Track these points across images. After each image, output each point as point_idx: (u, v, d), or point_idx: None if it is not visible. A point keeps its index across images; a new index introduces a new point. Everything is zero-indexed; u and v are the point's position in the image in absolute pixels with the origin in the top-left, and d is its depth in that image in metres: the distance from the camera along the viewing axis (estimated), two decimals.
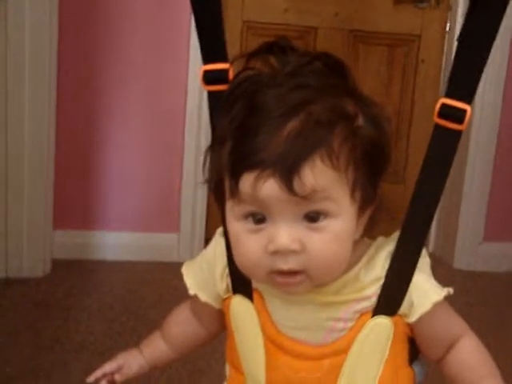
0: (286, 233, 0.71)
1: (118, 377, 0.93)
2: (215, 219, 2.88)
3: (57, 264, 2.36)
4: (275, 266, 0.72)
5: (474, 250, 2.60)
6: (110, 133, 2.44)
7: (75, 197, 2.47)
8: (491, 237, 2.64)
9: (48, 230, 2.34)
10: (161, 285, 2.29)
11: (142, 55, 2.40)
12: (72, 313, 2.06)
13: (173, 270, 2.35)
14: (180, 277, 2.62)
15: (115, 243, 2.47)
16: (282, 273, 0.72)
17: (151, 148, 2.47)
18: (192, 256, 2.81)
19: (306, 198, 0.69)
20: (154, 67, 2.41)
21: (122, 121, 2.43)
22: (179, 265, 2.73)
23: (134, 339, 1.86)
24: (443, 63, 2.69)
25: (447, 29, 2.67)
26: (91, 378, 0.93)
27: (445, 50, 2.69)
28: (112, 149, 2.45)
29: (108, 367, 0.94)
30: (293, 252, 0.71)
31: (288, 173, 0.68)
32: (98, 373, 0.93)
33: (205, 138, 2.45)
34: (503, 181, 2.62)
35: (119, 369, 0.94)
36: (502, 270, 2.58)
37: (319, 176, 0.69)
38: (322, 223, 0.71)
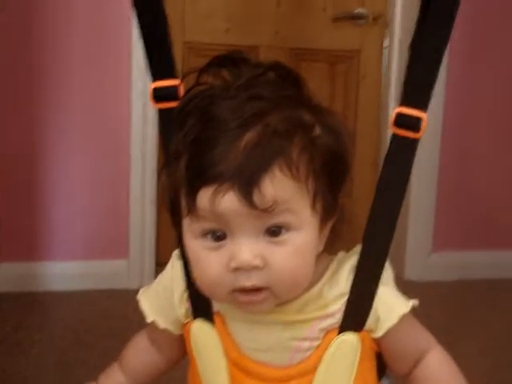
0: (247, 248, 0.69)
1: None
2: (165, 243, 2.85)
3: (3, 297, 2.29)
4: (237, 283, 0.70)
5: (423, 261, 2.63)
6: (53, 158, 2.39)
7: (20, 228, 2.41)
8: (440, 247, 2.68)
9: None
10: (112, 313, 2.25)
11: (83, 71, 2.37)
12: (21, 347, 1.99)
13: (123, 297, 2.34)
14: (131, 304, 2.56)
15: (63, 273, 2.42)
16: (244, 291, 0.70)
17: (96, 174, 2.43)
18: (142, 282, 2.77)
19: (266, 210, 0.68)
20: (96, 83, 2.38)
21: (65, 147, 2.39)
22: (129, 292, 2.69)
23: (85, 371, 1.82)
24: (383, 78, 2.73)
25: (385, 44, 2.71)
26: None
27: (384, 66, 2.72)
28: (56, 176, 2.40)
29: None
30: (255, 268, 0.69)
31: (247, 185, 0.67)
32: None
33: (150, 159, 2.43)
34: (448, 192, 2.66)
35: None
36: (452, 279, 2.61)
37: (279, 187, 0.68)
38: (284, 237, 0.70)
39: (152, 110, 2.38)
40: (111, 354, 0.94)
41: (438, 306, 2.28)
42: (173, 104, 0.77)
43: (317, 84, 2.66)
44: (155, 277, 0.88)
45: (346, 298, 0.77)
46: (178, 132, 0.72)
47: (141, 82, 2.36)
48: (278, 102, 0.71)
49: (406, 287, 0.81)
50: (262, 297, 0.71)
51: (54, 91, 2.34)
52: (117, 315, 2.22)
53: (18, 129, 2.35)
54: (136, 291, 2.70)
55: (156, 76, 0.80)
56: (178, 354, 0.88)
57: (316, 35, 2.66)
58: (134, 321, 2.31)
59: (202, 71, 0.74)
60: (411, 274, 2.56)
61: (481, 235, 2.71)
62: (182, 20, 2.53)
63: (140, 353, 0.91)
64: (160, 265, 2.71)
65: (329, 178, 0.72)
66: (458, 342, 2.09)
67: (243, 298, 0.71)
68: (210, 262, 0.71)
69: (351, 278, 0.77)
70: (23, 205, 2.40)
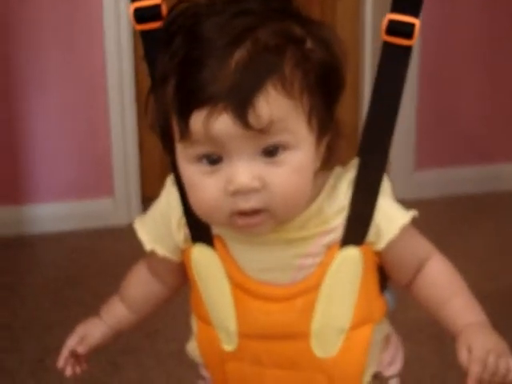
0: (244, 171, 0.68)
1: (80, 349, 0.88)
2: (150, 178, 2.83)
3: None
4: (236, 206, 0.69)
5: (406, 179, 2.64)
6: (32, 100, 2.35)
7: (2, 172, 2.38)
8: (422, 165, 2.69)
9: None
10: (101, 251, 2.26)
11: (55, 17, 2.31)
12: (15, 290, 2.01)
13: (112, 234, 2.35)
14: (120, 241, 2.58)
15: (50, 215, 2.41)
16: (243, 213, 0.70)
17: (75, 113, 2.40)
18: (130, 218, 2.77)
19: (262, 130, 0.66)
20: (68, 12, 2.33)
21: (43, 86, 2.34)
22: (117, 229, 2.69)
23: (81, 310, 1.82)
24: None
25: None
26: (61, 362, 0.88)
27: None
28: (35, 118, 2.37)
29: (71, 342, 0.89)
30: (254, 190, 0.68)
31: (241, 106, 0.65)
32: (65, 352, 0.88)
33: (128, 92, 2.39)
34: (429, 109, 2.65)
35: (82, 340, 0.89)
36: (435, 196, 2.63)
37: (274, 106, 0.66)
38: (281, 157, 0.69)
39: (127, 43, 2.34)
40: (105, 291, 0.93)
41: (421, 224, 2.31)
42: (156, 24, 0.75)
43: (302, 5, 2.61)
44: (142, 212, 0.86)
45: (346, 212, 0.76)
46: (164, 54, 0.69)
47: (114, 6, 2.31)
48: (266, 15, 0.69)
49: None
50: (261, 219, 0.70)
51: (28, 28, 2.29)
52: (107, 253, 2.24)
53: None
54: (124, 228, 2.72)
55: None
56: (179, 281, 0.87)
57: None
58: (125, 257, 2.32)
59: None
60: (395, 192, 2.56)
61: (462, 151, 2.72)
62: None
63: (140, 283, 0.90)
64: (146, 200, 2.72)
65: (324, 93, 0.71)
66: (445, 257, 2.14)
67: (242, 221, 0.70)
68: (207, 186, 0.70)
69: (350, 191, 0.76)
70: (4, 148, 2.37)
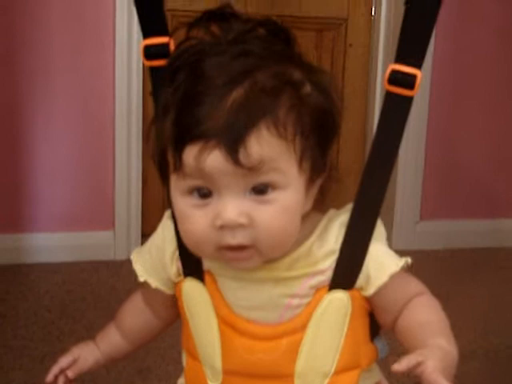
0: (233, 206, 0.69)
1: (70, 373, 0.88)
2: (151, 214, 2.83)
3: None
4: (223, 241, 0.70)
5: (411, 229, 2.65)
6: (37, 128, 2.37)
7: (3, 200, 2.39)
8: (427, 216, 2.70)
9: None
10: (98, 284, 2.25)
11: (66, 39, 2.34)
12: (8, 319, 1.99)
13: (110, 268, 2.34)
14: (117, 275, 2.57)
15: (49, 244, 2.41)
16: (230, 248, 0.70)
17: (81, 143, 2.42)
18: (129, 253, 2.75)
19: (252, 169, 0.67)
20: (78, 51, 2.36)
21: (49, 114, 2.37)
22: (116, 263, 2.68)
23: (73, 342, 1.80)
24: (371, 46, 2.72)
25: (373, 12, 2.69)
26: (50, 377, 0.88)
27: (372, 34, 2.71)
28: (39, 145, 2.39)
29: (64, 362, 0.89)
30: (240, 226, 0.69)
31: (233, 143, 0.66)
32: (55, 369, 0.88)
33: (136, 129, 2.41)
34: (436, 161, 2.67)
35: (74, 362, 0.89)
36: (439, 247, 2.64)
37: (265, 146, 0.68)
38: (270, 195, 0.70)
39: (136, 80, 2.37)
40: (98, 324, 0.94)
41: (424, 275, 2.29)
42: (164, 61, 0.77)
43: (304, 51, 2.64)
44: None
45: (335, 255, 0.76)
46: (167, 88, 0.71)
47: (125, 43, 2.35)
48: (267, 58, 0.70)
49: None
50: (247, 254, 0.71)
51: (36, 53, 2.32)
52: (103, 286, 2.23)
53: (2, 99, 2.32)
54: (122, 263, 2.71)
55: (147, 33, 0.80)
56: (172, 314, 0.88)
57: (303, 2, 2.65)
58: (121, 291, 2.32)
59: (192, 26, 0.73)
60: (399, 242, 2.57)
61: (468, 205, 2.73)
62: None
63: (135, 313, 0.91)
64: (146, 236, 2.72)
65: (317, 137, 0.72)
66: (444, 310, 2.11)
67: (230, 254, 0.71)
68: (196, 218, 0.71)
69: (341, 235, 0.77)
70: (6, 176, 2.38)
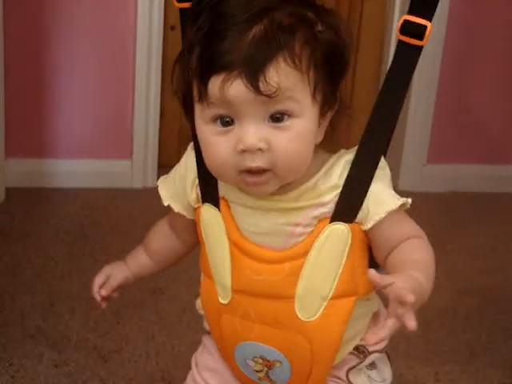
0: (253, 132, 0.76)
1: (103, 291, 0.97)
2: (167, 146, 2.88)
3: (10, 192, 2.35)
4: (244, 164, 0.77)
5: (418, 172, 2.68)
6: (62, 60, 2.40)
7: (26, 125, 2.44)
8: (435, 159, 2.71)
9: (0, 159, 2.32)
10: (115, 211, 2.32)
11: None
12: (30, 239, 2.07)
13: (126, 196, 2.42)
14: (133, 203, 2.62)
15: (69, 170, 2.46)
16: (250, 172, 0.78)
17: (101, 74, 2.45)
18: (145, 182, 2.83)
19: (271, 96, 0.74)
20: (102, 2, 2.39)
21: (71, 45, 2.39)
22: (132, 191, 2.75)
23: (91, 263, 1.90)
24: None
25: None
26: (96, 296, 0.97)
27: None
28: (63, 75, 2.42)
29: (98, 280, 0.98)
30: (260, 150, 0.76)
31: (254, 73, 0.73)
32: (96, 288, 0.97)
33: (155, 61, 2.44)
34: (446, 105, 2.67)
35: (107, 279, 0.98)
36: (445, 190, 2.67)
37: (283, 76, 0.74)
38: (286, 123, 0.77)
39: (157, 11, 2.39)
40: (114, 248, 1.02)
41: (430, 216, 2.35)
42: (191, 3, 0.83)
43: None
44: (158, 177, 0.95)
45: (339, 190, 0.82)
46: (191, 27, 0.78)
47: None
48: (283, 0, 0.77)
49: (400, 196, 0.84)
50: (266, 178, 0.78)
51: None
52: (120, 213, 2.29)
53: (26, 30, 2.36)
54: (138, 191, 2.78)
55: None
56: (193, 238, 0.94)
57: None
58: (137, 218, 2.38)
59: None
60: (405, 184, 2.60)
61: (476, 149, 2.74)
62: None
63: (161, 236, 0.99)
64: (162, 167, 2.78)
65: (329, 71, 0.79)
66: (447, 249, 2.19)
67: (250, 178, 0.78)
68: (220, 145, 0.78)
69: (346, 171, 0.82)
70: (30, 102, 2.42)
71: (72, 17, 2.37)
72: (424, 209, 2.35)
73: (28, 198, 2.35)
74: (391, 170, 0.86)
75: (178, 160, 0.93)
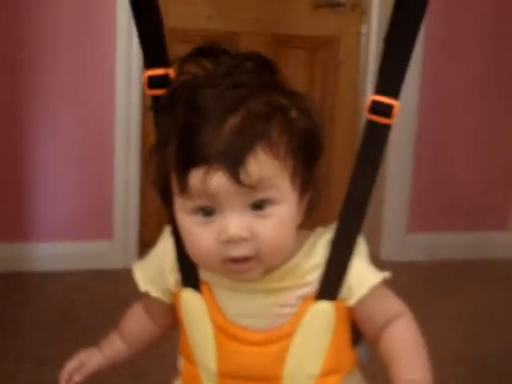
0: (236, 222, 0.76)
1: (77, 377, 0.95)
2: (148, 224, 2.86)
3: None
4: (228, 253, 0.77)
5: (399, 241, 2.70)
6: (38, 140, 2.42)
7: (5, 209, 2.43)
8: (415, 228, 2.74)
9: None
10: (96, 292, 2.29)
11: (68, 60, 2.40)
12: (9, 326, 2.04)
13: (108, 277, 2.38)
14: (115, 283, 2.57)
15: (49, 254, 2.45)
16: (234, 260, 0.78)
17: (81, 155, 2.46)
18: (126, 262, 2.80)
19: (252, 187, 0.75)
20: (81, 67, 2.42)
21: (50, 127, 2.42)
22: (114, 271, 2.69)
23: (72, 347, 1.85)
24: (360, 64, 2.79)
25: (363, 31, 2.77)
26: (62, 382, 0.96)
27: (361, 52, 2.78)
28: (40, 158, 2.43)
29: (70, 366, 0.96)
30: (243, 239, 0.76)
31: (234, 166, 0.74)
32: (65, 375, 0.96)
33: (135, 142, 2.47)
34: (424, 173, 2.71)
35: (80, 366, 0.96)
36: (427, 259, 2.68)
37: (263, 166, 0.75)
38: (268, 210, 0.77)
39: (135, 96, 2.43)
40: (96, 331, 1.01)
41: (412, 285, 2.35)
42: (164, 91, 0.83)
43: (296, 70, 2.72)
44: (139, 257, 0.95)
45: (321, 269, 0.83)
46: (167, 118, 0.79)
47: (124, 69, 2.42)
48: (256, 88, 0.78)
49: (381, 267, 0.86)
50: (251, 265, 0.78)
51: (39, 57, 2.37)
52: (102, 294, 2.27)
53: (3, 102, 2.37)
54: (120, 271, 2.73)
55: (150, 65, 0.86)
56: (169, 321, 0.95)
57: (296, 22, 2.71)
58: (119, 299, 2.34)
59: (184, 61, 0.80)
60: (387, 254, 2.62)
61: (455, 216, 2.77)
62: (166, 6, 2.56)
63: (135, 320, 0.98)
64: (143, 245, 2.75)
65: (305, 156, 0.80)
66: (430, 319, 2.16)
67: (234, 266, 0.78)
68: (202, 235, 0.78)
69: (327, 251, 0.84)
70: (8, 186, 2.43)
71: (48, 93, 2.38)
72: (407, 277, 2.35)
73: (7, 283, 2.32)
74: (372, 239, 0.87)
75: (159, 238, 0.92)
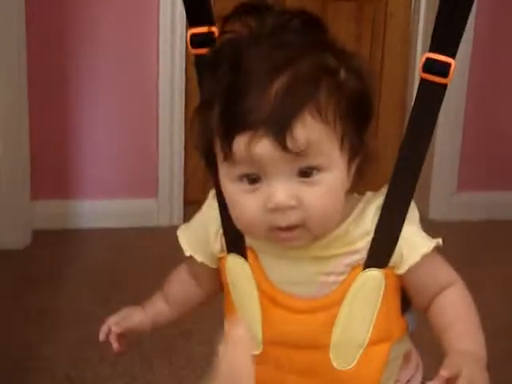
0: (282, 190, 0.73)
1: (115, 328, 0.93)
2: (193, 184, 2.88)
3: (37, 235, 2.35)
4: (274, 222, 0.75)
5: (448, 201, 2.66)
6: (85, 100, 2.42)
7: (52, 167, 2.45)
8: (464, 187, 2.69)
9: (26, 200, 2.33)
10: (142, 251, 2.31)
11: (113, 22, 2.39)
12: (57, 282, 2.06)
13: (153, 235, 2.39)
14: (160, 242, 2.60)
15: (94, 211, 2.47)
16: (281, 228, 0.75)
17: (126, 113, 2.46)
18: (171, 220, 2.82)
19: (299, 154, 0.72)
20: (124, 32, 2.41)
21: (97, 86, 2.42)
22: (159, 230, 2.73)
23: (120, 307, 1.87)
24: (412, 17, 2.70)
25: None
26: (101, 335, 0.94)
27: (413, 4, 2.70)
28: (87, 115, 2.44)
29: (112, 320, 0.95)
30: (290, 207, 0.74)
31: (280, 131, 0.70)
32: (105, 328, 0.94)
33: (179, 101, 2.45)
34: (475, 132, 2.66)
35: (121, 320, 0.94)
36: (475, 219, 2.63)
37: (310, 131, 0.72)
38: (316, 177, 0.74)
39: (179, 53, 2.40)
40: (142, 289, 1.00)
41: (460, 246, 2.31)
42: (208, 50, 0.80)
43: (344, 24, 2.65)
44: (184, 215, 0.94)
45: (371, 235, 0.80)
46: (210, 80, 0.75)
47: (169, 24, 2.38)
48: (303, 48, 0.74)
49: (429, 226, 0.84)
50: (298, 233, 0.76)
51: (84, 32, 2.37)
52: (147, 252, 2.28)
53: (49, 70, 2.38)
54: (165, 229, 2.76)
55: (193, 22, 0.83)
56: (215, 286, 0.93)
57: None
58: (163, 257, 2.37)
59: (228, 19, 0.77)
60: (435, 213, 2.58)
61: (505, 176, 2.72)
62: None
63: (180, 285, 0.96)
64: (188, 204, 2.76)
65: (354, 119, 0.76)
66: (479, 280, 2.13)
67: (281, 234, 0.76)
68: (248, 203, 0.75)
69: (377, 217, 0.80)
70: (56, 144, 2.44)
71: (95, 54, 2.39)
72: (454, 238, 2.29)
73: (54, 241, 2.35)
74: (420, 200, 0.84)
75: (204, 196, 0.90)
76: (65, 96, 2.41)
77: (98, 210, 2.47)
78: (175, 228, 0.92)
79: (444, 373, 0.72)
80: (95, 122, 2.45)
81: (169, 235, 2.68)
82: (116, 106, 2.45)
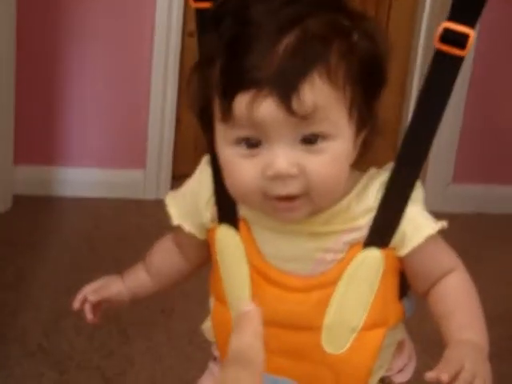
0: (284, 157, 0.69)
1: (91, 297, 0.89)
2: (182, 157, 2.83)
3: (18, 200, 2.30)
4: (273, 191, 0.70)
5: (442, 192, 2.63)
6: (72, 65, 2.37)
7: (37, 132, 2.40)
8: (459, 179, 2.67)
9: (8, 165, 2.28)
10: (126, 223, 2.27)
11: None
12: (36, 250, 2.03)
13: (138, 207, 2.35)
14: (145, 214, 2.59)
15: (79, 179, 2.43)
16: (279, 198, 0.71)
17: (115, 80, 2.41)
18: (158, 193, 2.78)
19: (305, 117, 0.67)
20: None
21: (85, 50, 2.36)
22: (145, 202, 2.70)
23: (99, 276, 1.84)
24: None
25: None
26: (76, 303, 0.90)
27: None
28: (74, 81, 2.39)
29: (88, 288, 0.90)
30: (291, 176, 0.69)
31: (286, 91, 0.66)
32: (80, 296, 0.90)
33: (172, 68, 2.40)
34: (472, 125, 2.62)
35: (98, 289, 0.90)
36: (469, 211, 2.62)
37: (318, 94, 0.68)
38: (320, 145, 0.70)
39: (176, 17, 2.34)
40: (123, 260, 0.96)
41: (453, 238, 2.28)
42: (210, 4, 0.76)
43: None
44: (171, 189, 0.89)
45: (373, 213, 0.76)
46: (213, 34, 0.71)
47: None
48: (315, 5, 0.70)
49: None
50: (299, 203, 0.72)
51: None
52: (131, 224, 2.25)
53: (38, 35, 2.32)
54: (151, 202, 2.74)
55: None
56: (201, 258, 0.88)
57: None
58: (148, 230, 2.35)
59: None
60: (429, 204, 2.54)
61: (501, 170, 2.70)
62: None
63: (165, 255, 0.91)
64: (176, 178, 2.73)
65: (365, 87, 0.72)
66: (471, 273, 2.10)
67: (279, 205, 0.71)
68: (244, 169, 0.71)
69: (380, 194, 0.77)
70: (40, 108, 2.39)
71: (85, 20, 2.33)
72: (448, 230, 2.27)
73: (35, 207, 2.31)
74: None
75: (193, 171, 0.85)
76: (52, 60, 2.35)
77: (82, 179, 2.43)
78: (162, 202, 0.87)
79: (444, 377, 0.69)
80: (82, 87, 2.39)
81: (153, 208, 2.66)
82: (106, 73, 2.39)
